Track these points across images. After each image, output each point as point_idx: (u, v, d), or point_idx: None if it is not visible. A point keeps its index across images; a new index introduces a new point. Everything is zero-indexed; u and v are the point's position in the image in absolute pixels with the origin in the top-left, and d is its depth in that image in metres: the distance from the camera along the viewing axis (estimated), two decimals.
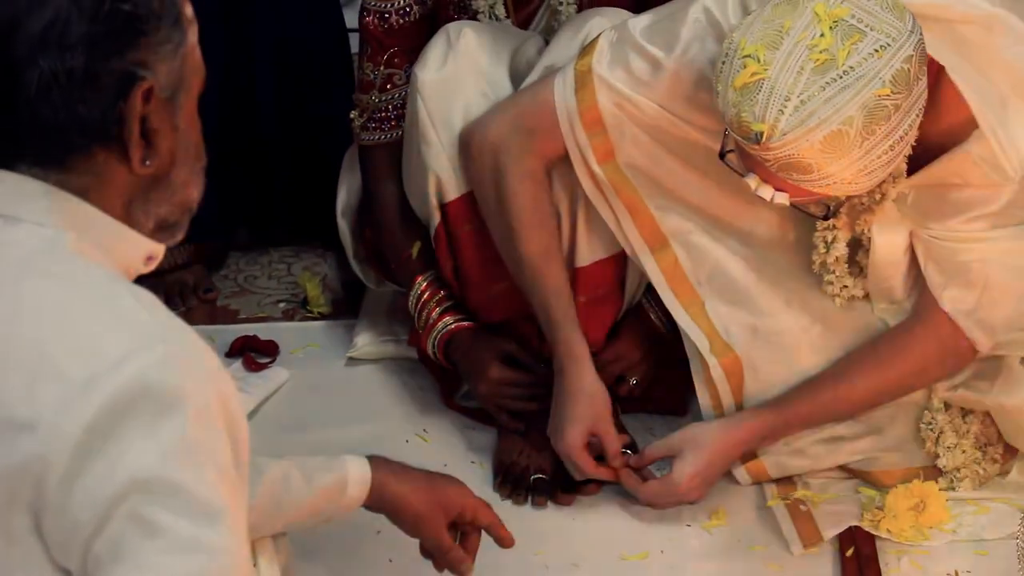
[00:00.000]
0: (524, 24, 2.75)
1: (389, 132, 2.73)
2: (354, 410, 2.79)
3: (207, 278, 3.14)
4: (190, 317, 2.99)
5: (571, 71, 2.46)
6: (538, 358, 2.66)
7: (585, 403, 2.51)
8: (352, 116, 2.75)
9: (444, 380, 2.78)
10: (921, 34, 2.15)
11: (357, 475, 2.08)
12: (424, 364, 2.81)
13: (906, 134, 2.16)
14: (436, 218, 2.64)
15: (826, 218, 2.42)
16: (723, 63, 2.17)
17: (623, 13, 2.56)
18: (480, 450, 2.69)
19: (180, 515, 1.37)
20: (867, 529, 2.47)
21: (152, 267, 1.57)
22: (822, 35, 2.11)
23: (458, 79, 2.60)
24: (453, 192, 2.61)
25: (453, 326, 2.67)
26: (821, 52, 2.10)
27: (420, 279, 2.71)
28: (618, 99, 2.44)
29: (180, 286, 3.08)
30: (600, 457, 2.53)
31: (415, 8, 2.68)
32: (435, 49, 2.61)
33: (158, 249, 1.56)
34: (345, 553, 2.42)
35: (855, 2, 2.13)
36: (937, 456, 2.54)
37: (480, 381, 2.64)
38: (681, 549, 2.48)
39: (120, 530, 1.36)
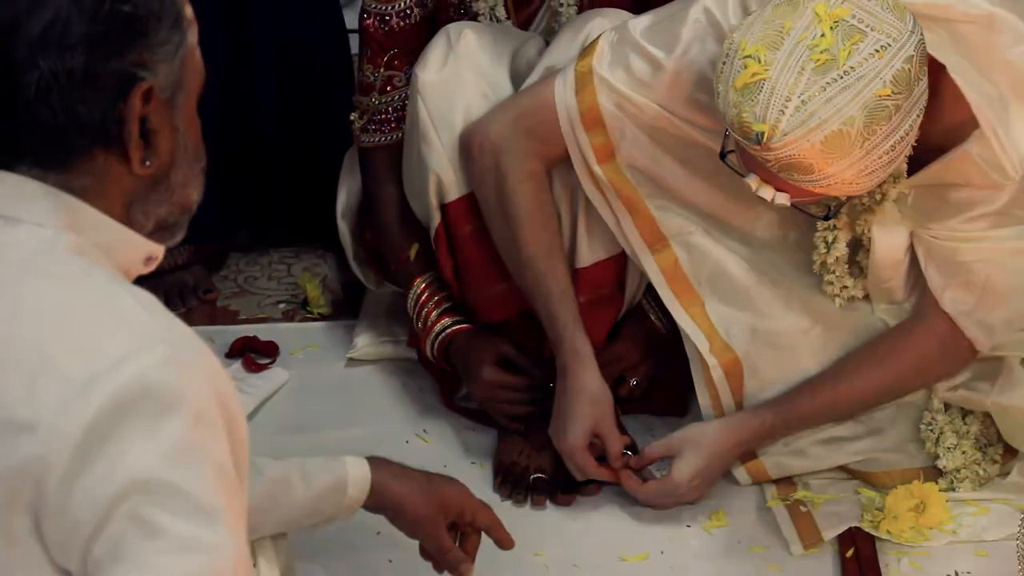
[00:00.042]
0: (524, 25, 2.75)
1: (389, 134, 2.73)
2: (354, 411, 2.79)
3: (207, 279, 3.13)
4: (190, 318, 2.99)
5: (572, 72, 2.46)
6: (538, 358, 2.66)
7: (588, 403, 2.51)
8: (352, 118, 2.75)
9: (444, 381, 2.78)
10: (922, 34, 2.16)
11: (357, 476, 2.08)
12: (423, 365, 2.81)
13: (907, 134, 2.16)
14: (436, 218, 2.64)
15: (827, 218, 2.42)
16: (724, 63, 2.17)
17: (623, 14, 2.56)
18: (480, 451, 2.69)
19: (180, 516, 1.37)
20: (867, 530, 2.47)
21: (152, 268, 1.57)
22: (823, 35, 2.11)
23: (459, 80, 2.60)
24: (454, 192, 2.61)
25: (451, 329, 2.67)
26: (822, 52, 2.11)
27: (419, 280, 2.71)
28: (619, 99, 2.44)
29: (180, 287, 3.07)
30: (601, 458, 2.53)
31: (415, 10, 2.68)
32: (436, 50, 2.62)
33: (158, 250, 1.56)
34: (345, 554, 2.42)
35: (856, 2, 2.13)
36: (937, 457, 2.54)
37: (474, 383, 2.64)
38: (681, 550, 2.48)
39: (120, 531, 1.36)
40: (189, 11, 1.53)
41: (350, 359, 2.92)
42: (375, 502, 2.11)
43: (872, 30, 2.12)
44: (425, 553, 2.19)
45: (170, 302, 3.01)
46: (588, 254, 2.60)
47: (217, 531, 1.38)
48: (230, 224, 3.18)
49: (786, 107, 2.10)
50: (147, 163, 1.50)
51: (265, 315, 3.07)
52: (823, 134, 2.11)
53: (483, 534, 2.21)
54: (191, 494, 1.38)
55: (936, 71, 2.22)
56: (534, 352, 2.67)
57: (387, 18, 2.67)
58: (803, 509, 2.53)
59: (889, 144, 2.14)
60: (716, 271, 2.56)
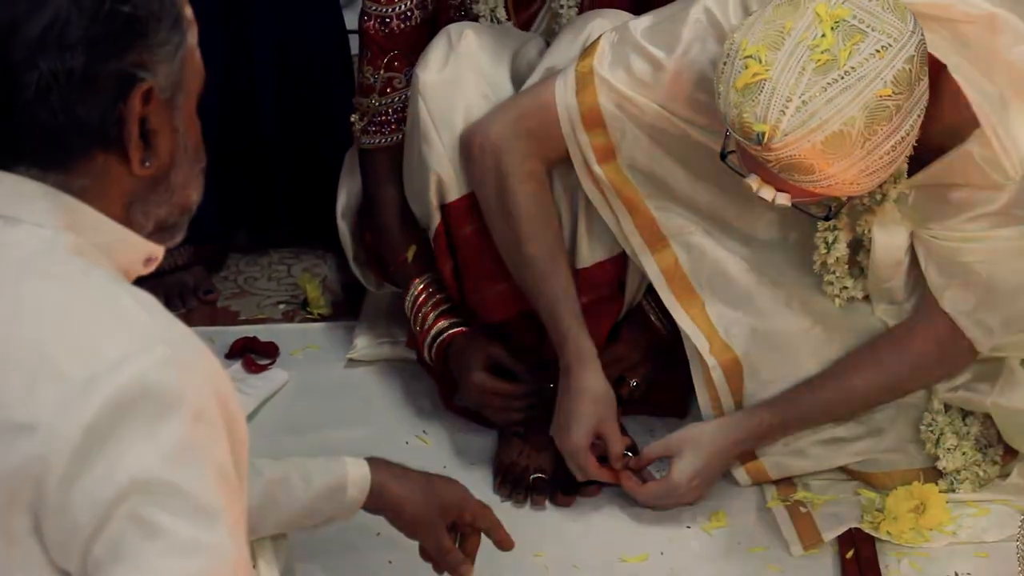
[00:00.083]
0: (525, 27, 2.75)
1: (389, 136, 2.73)
2: (353, 412, 2.79)
3: (207, 279, 3.13)
4: (190, 318, 2.99)
5: (572, 72, 2.46)
6: (537, 359, 2.66)
7: (591, 403, 2.51)
8: (352, 120, 2.75)
9: (443, 382, 2.77)
10: (922, 34, 2.16)
11: (356, 477, 2.08)
12: (423, 366, 2.81)
13: (907, 134, 2.16)
14: (436, 219, 2.63)
15: (827, 219, 2.42)
16: (724, 64, 2.17)
17: (624, 15, 2.56)
18: (479, 452, 2.69)
19: (179, 516, 1.37)
20: (867, 531, 2.47)
21: (152, 268, 1.57)
22: (823, 36, 2.11)
23: (459, 80, 2.60)
24: (454, 193, 2.61)
25: (449, 332, 2.67)
26: (822, 53, 2.11)
27: (417, 281, 2.71)
28: (619, 99, 2.44)
29: (180, 287, 3.07)
30: (601, 458, 2.53)
31: (416, 12, 2.68)
32: (436, 50, 2.62)
33: (157, 250, 1.56)
34: (344, 555, 2.42)
35: (856, 2, 2.13)
36: (937, 458, 2.54)
37: (465, 387, 2.64)
38: (681, 551, 2.48)
39: (119, 531, 1.36)
40: (189, 12, 1.53)
41: (350, 360, 2.92)
42: (375, 503, 2.11)
43: (873, 30, 2.12)
44: (425, 554, 2.19)
45: (170, 303, 3.01)
46: (588, 255, 2.60)
47: (217, 532, 1.38)
48: (230, 225, 3.18)
49: (787, 107, 2.10)
50: (147, 164, 1.50)
51: (265, 316, 3.07)
52: (824, 134, 2.11)
53: (483, 535, 2.21)
54: (191, 494, 1.37)
55: (936, 71, 2.22)
56: (534, 352, 2.67)
57: (387, 20, 2.67)
58: (803, 510, 2.53)
59: (890, 144, 2.14)
60: (716, 271, 2.56)
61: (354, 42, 2.98)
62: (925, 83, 2.16)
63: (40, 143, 1.46)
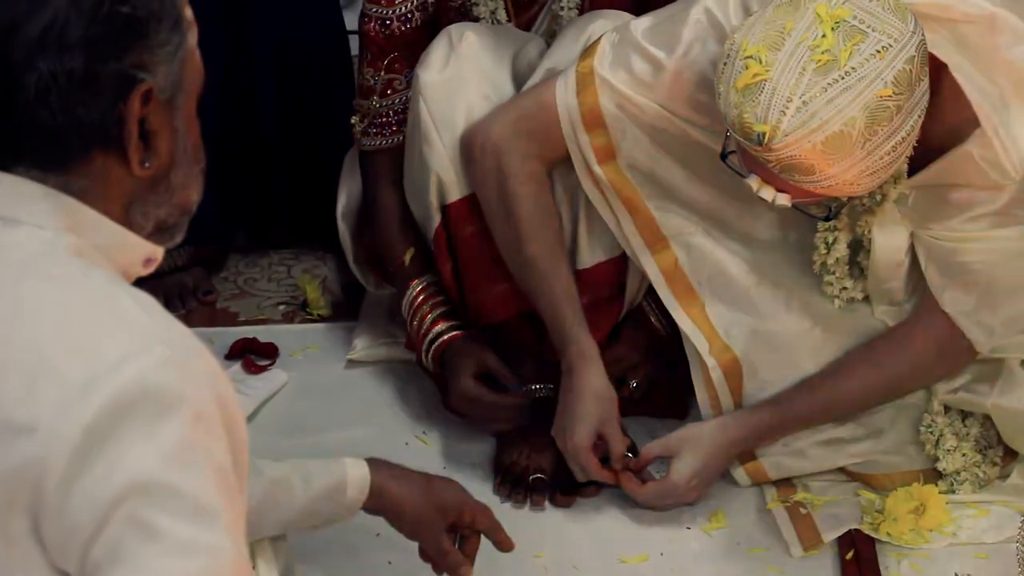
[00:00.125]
0: (525, 28, 2.75)
1: (390, 137, 2.73)
2: (353, 413, 2.79)
3: (207, 280, 3.13)
4: (189, 319, 2.99)
5: (573, 72, 2.46)
6: (537, 359, 2.66)
7: (594, 403, 2.51)
8: (353, 122, 2.75)
9: (443, 383, 2.77)
10: (923, 35, 2.16)
11: (356, 478, 2.08)
12: (421, 367, 2.81)
13: (908, 135, 2.16)
14: (436, 219, 2.63)
15: (827, 219, 2.42)
16: (725, 64, 2.17)
17: (625, 15, 2.57)
18: (479, 453, 2.69)
19: (179, 517, 1.37)
20: (867, 532, 2.47)
21: (151, 269, 1.57)
22: (824, 36, 2.11)
23: (460, 80, 2.60)
24: (455, 194, 2.61)
25: (446, 336, 2.67)
26: (823, 53, 2.11)
27: (415, 283, 2.70)
28: (620, 100, 2.44)
29: (179, 288, 3.07)
30: (602, 459, 2.53)
31: (417, 14, 2.67)
32: (437, 51, 2.62)
33: (157, 251, 1.56)
34: (344, 556, 2.42)
35: (857, 3, 2.13)
36: (937, 459, 2.54)
37: (452, 393, 2.64)
38: (681, 551, 2.48)
39: (119, 533, 1.36)
40: (189, 12, 1.53)
41: (349, 361, 2.91)
42: (374, 504, 2.11)
43: (873, 31, 2.12)
44: (424, 555, 2.19)
45: (170, 304, 3.01)
46: (588, 256, 2.60)
47: (216, 533, 1.38)
48: (230, 225, 3.18)
49: (787, 108, 2.10)
50: (146, 164, 1.50)
51: (265, 317, 3.07)
52: (824, 135, 2.11)
53: (483, 536, 2.21)
54: (190, 495, 1.37)
55: (937, 71, 2.22)
56: (534, 353, 2.67)
57: (388, 22, 2.67)
58: (803, 511, 2.53)
59: (890, 145, 2.14)
60: (716, 272, 2.56)
61: (354, 43, 2.98)
62: (926, 83, 2.16)
63: (40, 144, 1.46)
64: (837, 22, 2.12)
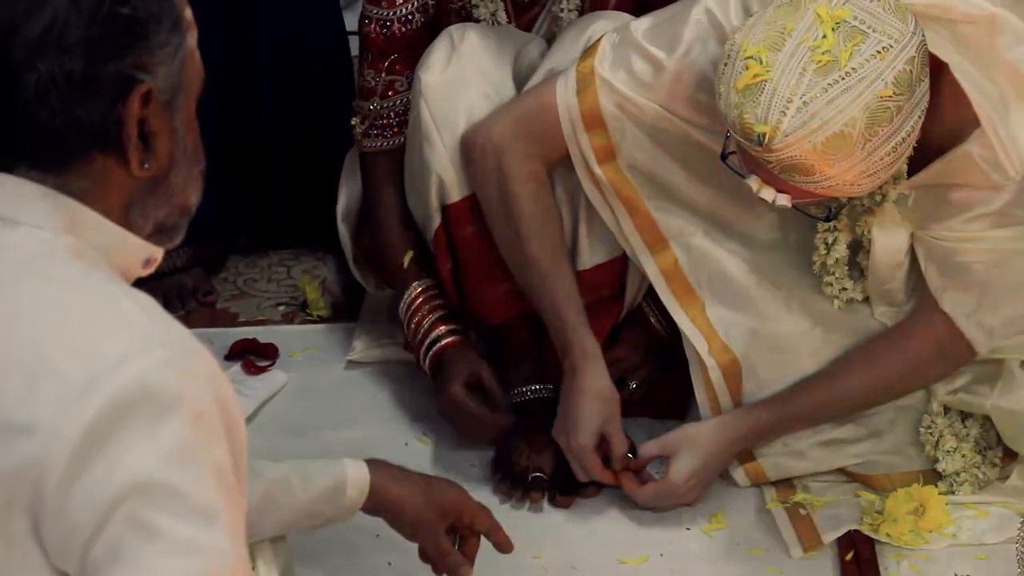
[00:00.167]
0: (525, 30, 2.75)
1: (391, 139, 2.73)
2: (353, 413, 2.79)
3: (206, 281, 3.13)
4: (189, 320, 2.99)
5: (573, 73, 2.47)
6: (537, 360, 2.66)
7: (597, 403, 2.51)
8: (353, 123, 2.75)
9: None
10: (923, 35, 2.16)
11: (356, 478, 2.08)
12: (421, 368, 2.80)
13: (908, 135, 2.16)
14: (436, 220, 2.63)
15: (827, 219, 2.42)
16: (725, 64, 2.17)
17: (625, 16, 2.57)
18: (479, 454, 2.68)
19: (178, 518, 1.37)
20: (867, 533, 2.47)
21: (151, 270, 1.57)
22: (824, 36, 2.11)
23: (461, 81, 2.60)
24: (456, 194, 2.61)
25: (444, 342, 2.66)
26: (823, 53, 2.11)
27: (413, 285, 2.70)
28: (620, 100, 2.44)
29: (179, 289, 3.07)
30: (603, 459, 2.53)
31: (417, 16, 2.67)
32: (438, 51, 2.62)
33: (157, 252, 1.56)
34: (344, 556, 2.42)
35: (857, 3, 2.13)
36: (937, 460, 2.53)
37: (440, 396, 2.64)
38: (681, 552, 2.48)
39: (118, 533, 1.36)
40: (189, 13, 1.53)
41: (349, 361, 2.91)
42: (374, 504, 2.11)
43: (874, 31, 2.12)
44: (424, 556, 2.19)
45: (169, 304, 3.01)
46: (589, 256, 2.61)
47: (216, 533, 1.38)
48: (230, 226, 3.18)
49: (787, 108, 2.10)
50: (146, 165, 1.50)
51: (264, 317, 3.07)
52: (824, 135, 2.11)
53: (482, 537, 2.21)
54: (190, 496, 1.37)
55: (937, 71, 2.22)
56: (534, 352, 2.67)
57: (389, 23, 2.67)
58: (802, 512, 2.52)
59: (891, 145, 2.14)
60: (716, 272, 2.56)
61: (354, 44, 2.98)
62: (926, 84, 2.17)
63: (39, 144, 1.46)
64: (838, 23, 2.12)
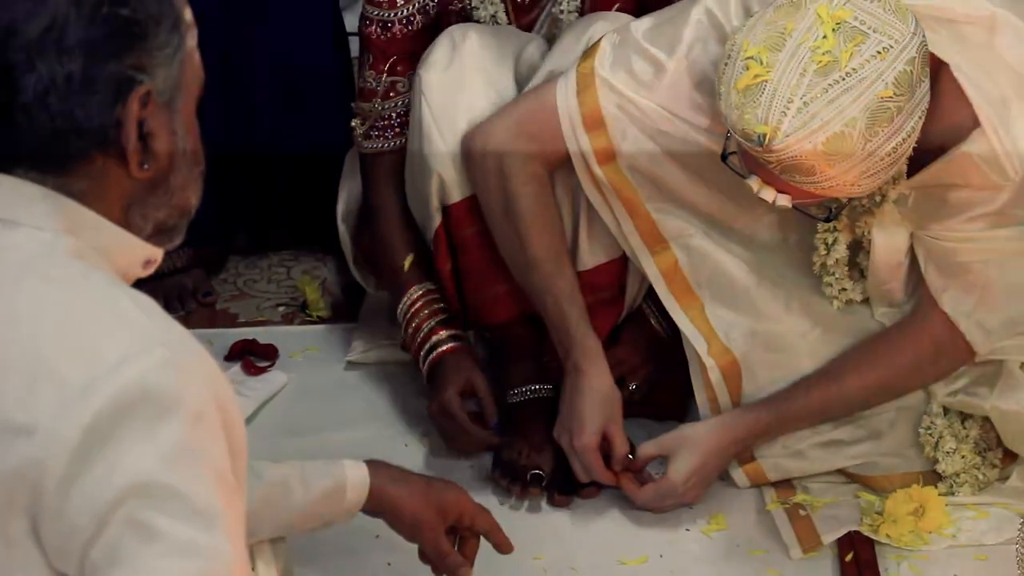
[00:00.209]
0: (525, 31, 2.75)
1: (392, 140, 2.72)
2: (353, 414, 2.79)
3: (206, 282, 3.13)
4: (189, 321, 2.99)
5: (574, 73, 2.47)
6: (537, 361, 2.66)
7: (600, 403, 2.51)
8: (353, 125, 2.74)
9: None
10: (924, 36, 2.16)
11: (355, 479, 2.08)
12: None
13: (908, 136, 2.16)
14: (436, 220, 2.63)
15: (828, 220, 2.42)
16: (725, 65, 2.18)
17: (625, 17, 2.57)
18: (478, 455, 2.68)
19: (178, 519, 1.37)
20: (866, 534, 2.47)
21: (151, 271, 1.57)
22: (825, 37, 2.11)
23: (462, 80, 2.60)
24: (456, 194, 2.61)
25: (444, 348, 2.66)
26: (824, 54, 2.11)
27: (413, 289, 2.70)
28: (620, 100, 2.44)
29: (179, 290, 3.07)
30: (604, 460, 2.53)
31: (418, 17, 2.67)
32: (439, 50, 2.62)
33: (156, 253, 1.56)
34: (343, 557, 2.42)
35: (857, 4, 2.13)
36: (936, 461, 2.53)
37: (433, 400, 2.64)
38: (680, 553, 2.48)
39: (118, 535, 1.36)
40: (188, 14, 1.53)
41: (349, 362, 2.91)
42: (374, 506, 2.10)
43: (874, 32, 2.12)
44: (424, 557, 2.19)
45: (169, 305, 3.01)
46: (589, 257, 2.61)
47: (215, 535, 1.38)
48: (229, 227, 3.18)
49: (788, 109, 2.11)
50: (145, 166, 1.50)
51: (264, 318, 3.07)
52: (825, 136, 2.11)
53: (482, 538, 2.21)
54: (189, 497, 1.37)
55: (937, 71, 2.22)
56: (534, 353, 2.67)
57: (390, 25, 2.66)
58: (802, 513, 2.52)
59: (891, 146, 2.15)
60: (716, 273, 2.56)
61: (354, 44, 2.97)
62: (926, 85, 2.17)
63: (39, 145, 1.46)
64: (838, 23, 2.12)
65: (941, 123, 2.25)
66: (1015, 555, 2.32)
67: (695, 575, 2.45)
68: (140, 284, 1.52)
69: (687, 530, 2.53)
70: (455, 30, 2.63)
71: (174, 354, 1.40)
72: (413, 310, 2.69)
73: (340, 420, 2.77)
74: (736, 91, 2.14)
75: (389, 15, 2.66)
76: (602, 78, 2.44)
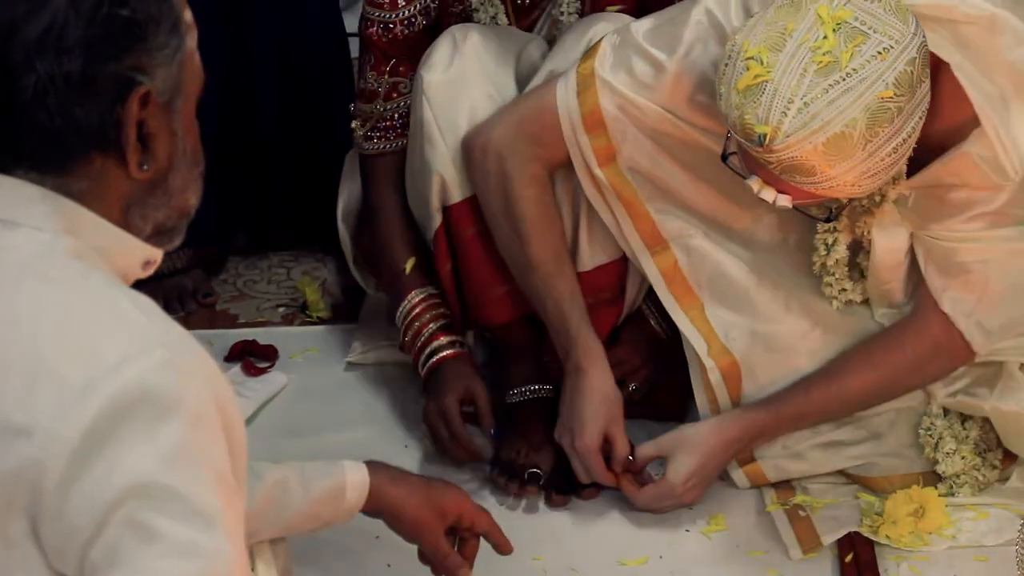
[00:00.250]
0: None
1: (393, 141, 2.72)
2: (353, 415, 2.79)
3: (206, 283, 3.13)
4: (189, 322, 2.99)
5: (574, 74, 2.47)
6: (537, 362, 2.66)
7: (602, 403, 2.51)
8: (354, 126, 2.74)
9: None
10: (924, 36, 2.16)
11: (355, 480, 2.08)
12: None
13: (909, 136, 2.16)
14: (437, 220, 2.63)
15: (828, 220, 2.42)
16: (726, 65, 2.18)
17: (625, 18, 2.57)
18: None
19: (177, 520, 1.37)
20: (866, 534, 2.47)
21: (150, 272, 1.57)
22: (825, 37, 2.11)
23: (463, 81, 2.60)
24: (457, 195, 2.61)
25: (444, 354, 2.66)
26: (824, 54, 2.11)
27: (414, 292, 2.70)
28: (620, 101, 2.44)
29: (179, 291, 3.07)
30: (605, 460, 2.53)
31: (419, 19, 2.67)
32: (440, 51, 2.61)
33: (156, 254, 1.56)
34: (343, 558, 2.42)
35: (858, 4, 2.13)
36: (936, 462, 2.53)
37: (430, 403, 2.63)
38: (680, 554, 2.48)
39: (117, 536, 1.36)
40: (188, 15, 1.53)
41: (349, 363, 2.91)
42: (373, 506, 2.10)
43: (875, 32, 2.12)
44: (423, 558, 2.19)
45: (169, 306, 3.01)
46: (589, 258, 2.61)
47: (215, 535, 1.38)
48: (229, 228, 3.18)
49: (788, 109, 2.10)
50: (145, 167, 1.50)
51: (264, 319, 3.07)
52: (825, 136, 2.11)
53: (481, 539, 2.21)
54: (189, 498, 1.37)
55: (937, 71, 2.22)
56: (534, 354, 2.67)
57: (390, 26, 2.66)
58: (802, 513, 2.52)
59: (891, 146, 2.14)
60: (716, 274, 2.56)
61: (354, 45, 2.97)
62: (927, 85, 2.17)
63: (38, 146, 1.46)
64: (838, 23, 2.12)
65: (941, 123, 2.25)
66: (1015, 556, 2.32)
67: None
68: (140, 285, 1.52)
69: (687, 531, 2.53)
70: (456, 30, 2.63)
71: (174, 355, 1.40)
72: (413, 314, 2.69)
73: (340, 421, 2.77)
74: (736, 91, 2.14)
75: (390, 16, 2.65)
76: (602, 79, 2.44)
